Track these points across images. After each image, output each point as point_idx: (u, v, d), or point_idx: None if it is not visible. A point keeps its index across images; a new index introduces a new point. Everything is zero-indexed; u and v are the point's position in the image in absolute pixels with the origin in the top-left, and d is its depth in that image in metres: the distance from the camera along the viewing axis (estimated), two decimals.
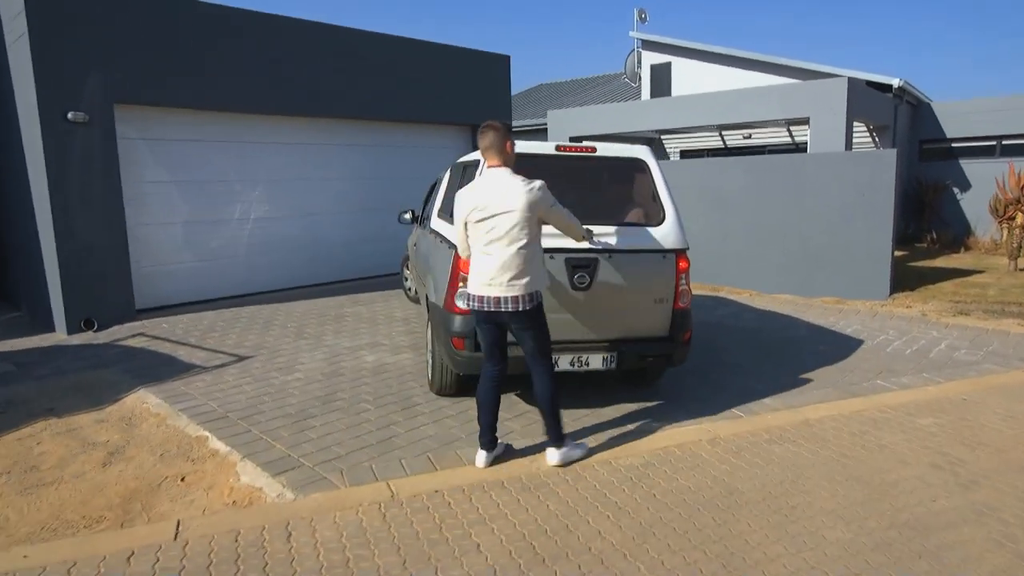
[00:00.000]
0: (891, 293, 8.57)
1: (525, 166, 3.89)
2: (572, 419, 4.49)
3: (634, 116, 14.40)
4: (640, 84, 17.60)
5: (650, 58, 17.25)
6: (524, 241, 3.54)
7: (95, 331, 6.87)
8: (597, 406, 4.77)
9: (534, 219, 3.58)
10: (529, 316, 3.61)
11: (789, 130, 14.76)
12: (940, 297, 8.62)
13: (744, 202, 9.53)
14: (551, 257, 4.15)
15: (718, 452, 4.02)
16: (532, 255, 3.60)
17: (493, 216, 3.55)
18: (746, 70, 15.41)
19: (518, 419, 4.56)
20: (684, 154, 16.35)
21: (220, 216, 8.15)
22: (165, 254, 7.74)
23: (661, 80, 16.98)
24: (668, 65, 16.87)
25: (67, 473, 3.90)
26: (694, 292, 9.36)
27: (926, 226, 14.92)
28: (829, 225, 8.71)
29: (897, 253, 11.51)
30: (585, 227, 4.01)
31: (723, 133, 15.60)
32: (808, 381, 5.39)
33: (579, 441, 4.03)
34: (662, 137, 16.34)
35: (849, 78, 11.24)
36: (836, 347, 6.40)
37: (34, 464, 4.01)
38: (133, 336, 6.71)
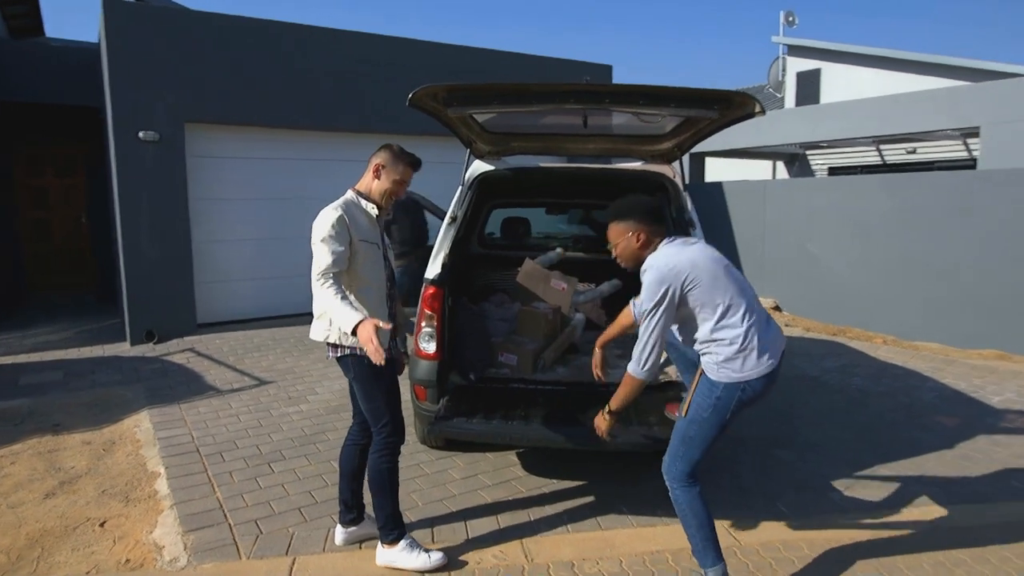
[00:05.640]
0: None
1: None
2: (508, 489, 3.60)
3: (768, 127, 12.80)
4: (784, 94, 15.77)
5: (796, 64, 15.41)
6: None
7: (154, 344, 7.00)
8: (577, 476, 3.81)
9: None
10: (344, 367, 2.91)
11: (966, 143, 12.34)
12: None
13: (887, 229, 7.86)
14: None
15: None
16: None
17: None
18: (912, 74, 13.20)
19: (448, 487, 3.75)
20: (833, 171, 14.32)
21: (292, 233, 8.07)
22: (233, 271, 7.77)
23: (809, 89, 15.09)
24: (817, 72, 14.95)
25: (8, 502, 3.72)
26: (807, 333, 7.84)
27: None
28: (1002, 259, 6.87)
29: None
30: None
31: (881, 147, 13.43)
32: (904, 473, 4.02)
33: (432, 550, 2.98)
34: (807, 153, 14.46)
35: None
36: (969, 424, 4.84)
37: None
38: (182, 351, 6.74)
